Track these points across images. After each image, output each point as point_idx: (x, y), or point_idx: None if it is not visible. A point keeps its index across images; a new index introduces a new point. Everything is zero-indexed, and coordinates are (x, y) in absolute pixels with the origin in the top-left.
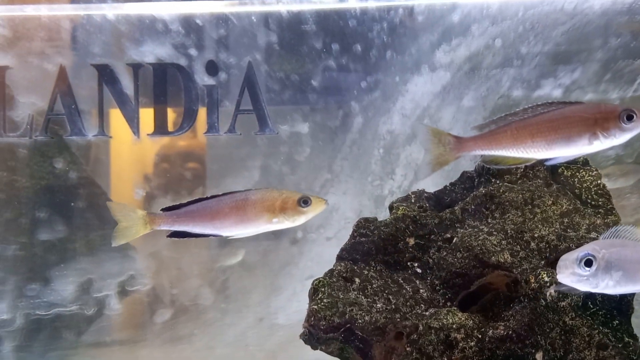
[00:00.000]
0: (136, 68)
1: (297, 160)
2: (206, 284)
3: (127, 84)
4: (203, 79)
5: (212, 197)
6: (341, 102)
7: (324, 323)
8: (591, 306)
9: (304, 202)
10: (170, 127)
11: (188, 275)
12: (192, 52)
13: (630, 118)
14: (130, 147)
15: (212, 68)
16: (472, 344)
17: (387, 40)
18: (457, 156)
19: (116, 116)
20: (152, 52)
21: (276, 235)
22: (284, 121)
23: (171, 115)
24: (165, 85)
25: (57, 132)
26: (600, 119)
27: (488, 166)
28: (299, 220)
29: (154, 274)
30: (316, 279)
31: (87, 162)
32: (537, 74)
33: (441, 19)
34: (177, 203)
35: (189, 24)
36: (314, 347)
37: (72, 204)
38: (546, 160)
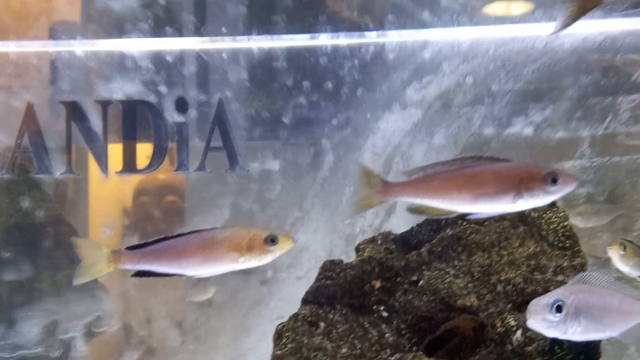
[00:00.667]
0: (105, 105)
1: (267, 198)
2: (175, 325)
3: (95, 121)
4: (173, 116)
5: (179, 235)
6: (312, 139)
7: None
8: (558, 351)
9: (272, 240)
10: (139, 165)
11: (156, 316)
12: (162, 88)
13: (554, 181)
14: (108, 183)
15: (182, 105)
16: None
17: (358, 78)
18: (382, 200)
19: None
20: (121, 89)
21: (245, 274)
22: (255, 158)
23: (140, 152)
24: (134, 122)
25: (26, 170)
26: (526, 179)
27: (412, 214)
28: (266, 259)
29: (122, 314)
30: (280, 324)
31: (62, 200)
32: (508, 111)
33: (412, 56)
34: (143, 242)
35: (158, 60)
36: None
37: (40, 243)
38: (468, 214)
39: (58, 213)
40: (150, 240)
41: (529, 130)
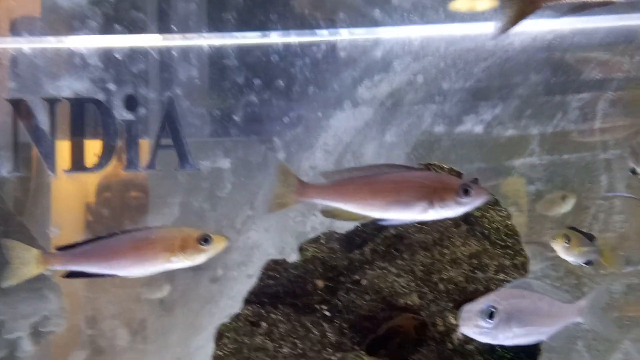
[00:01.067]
0: (53, 103)
1: (218, 197)
2: (123, 324)
3: (43, 119)
4: (122, 114)
5: (111, 235)
6: (263, 137)
7: None
8: (499, 349)
9: (205, 240)
10: (87, 164)
11: (105, 316)
12: (111, 86)
13: (466, 193)
14: (70, 180)
15: (131, 103)
16: None
17: (310, 76)
18: (296, 201)
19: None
20: (69, 87)
21: (195, 272)
22: (205, 157)
23: (89, 150)
24: (82, 120)
25: None
26: (439, 189)
27: (325, 217)
28: (199, 259)
29: (69, 314)
30: (222, 324)
31: (20, 198)
32: (458, 110)
33: (363, 54)
34: (73, 242)
35: (107, 58)
36: None
37: None
38: (380, 220)
39: (7, 212)
40: (82, 240)
41: (479, 128)
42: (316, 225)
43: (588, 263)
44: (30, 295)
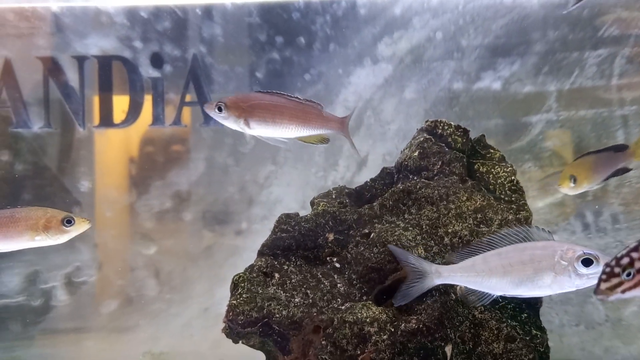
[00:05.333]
0: (81, 60)
1: (241, 152)
2: (151, 275)
3: (72, 76)
4: (148, 71)
5: None
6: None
7: (242, 318)
8: (500, 300)
9: (68, 221)
10: (116, 120)
11: (133, 267)
12: (137, 44)
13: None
14: (114, 136)
15: (157, 60)
16: (385, 337)
17: (330, 33)
18: None
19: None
20: (96, 45)
21: (221, 225)
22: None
23: (117, 107)
24: (110, 77)
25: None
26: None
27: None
28: (62, 239)
29: (100, 265)
30: (236, 275)
31: (62, 153)
32: (477, 66)
33: (383, 12)
34: None
35: (133, 16)
36: (235, 341)
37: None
38: None
39: (42, 166)
40: None
41: (497, 85)
42: (337, 179)
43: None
44: (62, 247)
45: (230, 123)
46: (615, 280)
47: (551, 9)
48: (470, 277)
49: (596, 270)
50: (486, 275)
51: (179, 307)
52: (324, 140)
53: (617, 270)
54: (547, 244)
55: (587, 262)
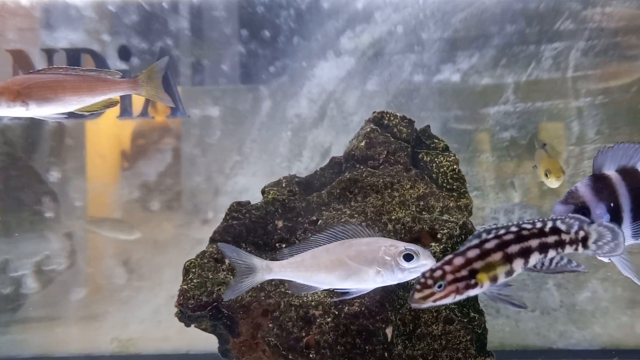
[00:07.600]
0: (50, 53)
1: (208, 143)
2: (120, 263)
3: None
4: (116, 63)
5: None
6: (250, 86)
7: (192, 302)
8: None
9: None
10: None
11: (102, 255)
12: (105, 37)
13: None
14: (108, 126)
15: (124, 53)
16: (329, 320)
17: (294, 27)
18: None
19: None
20: (65, 38)
21: (189, 215)
22: (195, 105)
23: None
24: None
25: None
26: None
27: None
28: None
29: (69, 253)
30: (188, 260)
31: (28, 144)
32: (437, 59)
33: (346, 6)
34: None
35: (101, 10)
36: (187, 325)
37: None
38: None
39: (18, 158)
40: None
41: (456, 77)
42: (301, 170)
43: None
44: (32, 235)
45: (3, 110)
46: (427, 291)
47: (508, 3)
48: (300, 272)
49: (417, 264)
50: (315, 270)
51: (147, 294)
52: (109, 104)
53: (429, 282)
54: (372, 240)
55: (408, 257)
